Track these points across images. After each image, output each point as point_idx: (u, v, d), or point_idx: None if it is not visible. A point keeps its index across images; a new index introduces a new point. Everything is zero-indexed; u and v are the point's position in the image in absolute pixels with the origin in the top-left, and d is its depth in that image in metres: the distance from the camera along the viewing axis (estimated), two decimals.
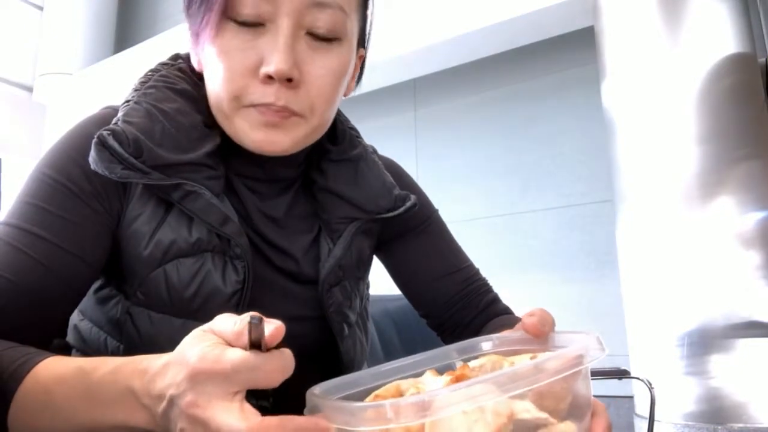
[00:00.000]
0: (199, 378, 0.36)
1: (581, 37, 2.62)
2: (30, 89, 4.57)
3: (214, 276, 0.60)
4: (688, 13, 1.89)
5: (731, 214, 1.73)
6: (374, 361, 0.71)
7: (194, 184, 0.59)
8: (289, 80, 0.57)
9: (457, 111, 3.34)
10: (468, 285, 0.80)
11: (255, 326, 0.35)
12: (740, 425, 1.61)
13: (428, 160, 3.38)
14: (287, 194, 0.69)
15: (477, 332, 0.76)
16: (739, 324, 1.67)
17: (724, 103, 1.81)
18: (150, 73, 0.67)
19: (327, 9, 0.59)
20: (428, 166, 3.36)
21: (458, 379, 0.37)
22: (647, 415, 1.33)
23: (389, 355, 1.14)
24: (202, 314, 0.59)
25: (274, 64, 0.56)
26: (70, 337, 0.68)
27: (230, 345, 0.37)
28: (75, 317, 0.68)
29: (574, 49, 2.88)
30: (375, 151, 0.80)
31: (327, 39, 0.60)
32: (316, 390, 0.40)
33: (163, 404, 0.38)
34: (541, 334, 0.44)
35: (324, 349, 0.69)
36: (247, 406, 0.36)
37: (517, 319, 0.77)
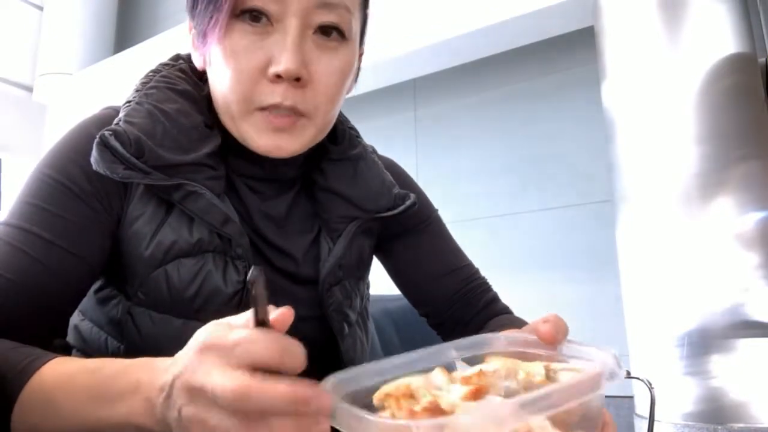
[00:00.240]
0: (203, 352, 0.37)
1: (581, 37, 2.62)
2: (30, 89, 4.57)
3: (215, 276, 0.60)
4: (688, 14, 1.89)
5: (731, 214, 1.73)
6: None
7: (195, 184, 0.59)
8: (298, 80, 0.58)
9: (457, 111, 3.34)
10: (468, 284, 0.80)
11: (256, 278, 0.35)
12: (740, 425, 1.61)
13: (428, 160, 3.38)
14: (288, 194, 0.70)
15: (477, 331, 0.76)
16: (739, 324, 1.66)
17: (724, 103, 1.81)
18: (151, 74, 0.67)
19: (334, 9, 0.59)
20: (428, 166, 3.36)
21: (477, 392, 0.37)
22: (647, 415, 1.33)
23: (389, 355, 1.13)
24: (203, 314, 0.59)
25: (283, 64, 0.56)
26: (71, 337, 0.68)
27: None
28: (75, 317, 0.68)
29: (574, 49, 2.88)
30: (375, 151, 0.80)
31: (333, 39, 0.60)
32: (328, 386, 0.40)
33: (165, 392, 0.38)
34: (555, 342, 0.44)
35: (324, 349, 0.70)
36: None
37: (517, 319, 0.77)
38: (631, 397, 1.96)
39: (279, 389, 0.34)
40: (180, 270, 0.59)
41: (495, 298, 0.81)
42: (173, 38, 3.71)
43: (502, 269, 2.93)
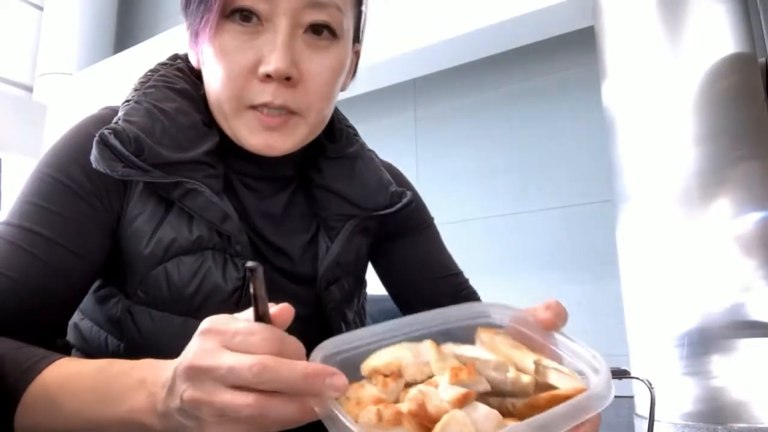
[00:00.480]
0: (204, 335, 0.37)
1: (581, 37, 2.62)
2: (30, 89, 4.57)
3: (215, 274, 0.60)
4: (688, 14, 1.89)
5: (731, 214, 1.73)
6: None
7: (194, 182, 0.59)
8: (288, 79, 0.58)
9: (457, 111, 3.34)
10: (461, 290, 0.81)
11: (255, 273, 0.36)
12: (740, 425, 1.61)
13: (428, 160, 3.38)
14: (285, 192, 0.70)
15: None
16: (739, 324, 1.66)
17: (724, 103, 1.81)
18: (149, 73, 0.68)
19: (324, 8, 0.59)
20: (428, 166, 3.36)
21: (466, 398, 0.37)
22: (647, 415, 1.33)
23: None
24: (203, 312, 0.59)
25: (272, 63, 0.57)
26: (71, 336, 0.68)
27: None
28: (75, 316, 0.68)
29: (574, 49, 2.88)
30: (375, 154, 0.80)
31: (324, 38, 0.60)
32: (318, 358, 0.41)
33: (167, 386, 0.38)
34: (554, 328, 0.45)
35: None
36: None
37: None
38: (631, 397, 1.96)
39: (297, 365, 0.35)
40: (180, 268, 0.59)
41: None
42: (173, 38, 3.70)
43: (502, 269, 2.93)
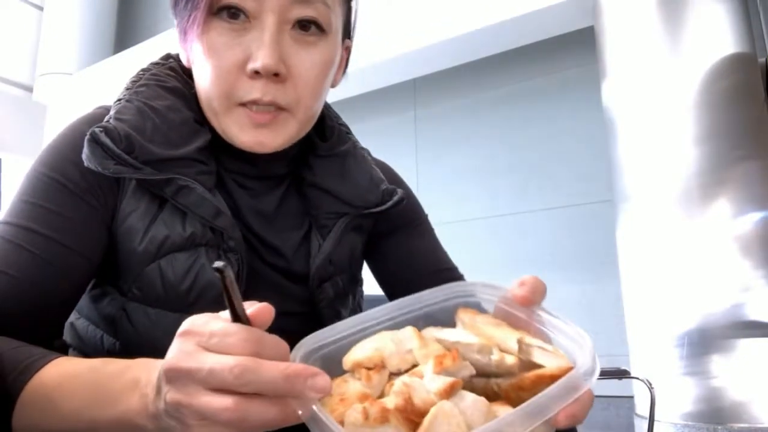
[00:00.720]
0: (182, 337, 0.37)
1: (581, 37, 2.62)
2: (30, 89, 4.57)
3: (209, 270, 0.60)
4: (688, 13, 1.89)
5: (731, 214, 1.73)
6: None
7: (186, 178, 0.59)
8: (276, 75, 0.58)
9: (457, 111, 3.34)
10: None
11: (222, 275, 0.35)
12: (740, 425, 1.61)
13: (428, 160, 3.38)
14: (277, 191, 0.70)
15: None
16: (739, 324, 1.67)
17: (724, 103, 1.81)
18: (141, 72, 0.68)
19: (311, 4, 0.59)
20: (428, 166, 3.36)
21: (452, 387, 0.37)
22: (647, 415, 1.33)
23: None
24: (197, 308, 0.59)
25: (260, 60, 0.57)
26: (67, 336, 0.68)
27: None
28: (71, 316, 0.68)
29: (574, 49, 2.88)
30: (368, 152, 0.80)
31: (312, 33, 0.60)
32: (299, 356, 0.40)
33: (156, 386, 0.38)
34: (532, 304, 0.44)
35: None
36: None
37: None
38: (631, 397, 1.96)
39: (277, 366, 0.35)
40: (174, 264, 0.59)
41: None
42: (173, 38, 3.70)
43: (502, 269, 2.93)
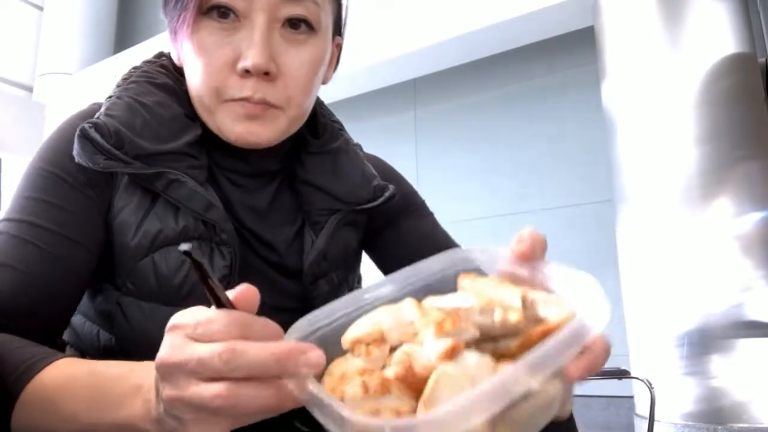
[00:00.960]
0: (169, 332, 0.36)
1: (581, 37, 2.62)
2: (30, 89, 4.57)
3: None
4: (688, 13, 1.89)
5: (731, 214, 1.73)
6: None
7: (177, 172, 0.60)
8: (266, 73, 0.58)
9: (457, 111, 3.34)
10: None
11: (191, 255, 0.33)
12: (740, 425, 1.61)
13: (428, 160, 3.38)
14: (270, 187, 0.70)
15: None
16: (739, 324, 1.66)
17: (724, 103, 1.81)
18: (133, 70, 0.69)
19: (300, 2, 0.60)
20: (428, 166, 3.36)
21: (454, 350, 0.34)
22: (647, 415, 1.33)
23: None
24: (191, 301, 0.59)
25: (250, 59, 0.57)
26: (64, 333, 0.68)
27: None
28: None
29: (574, 49, 2.88)
30: (360, 148, 0.80)
31: (302, 31, 0.61)
32: (292, 338, 0.38)
33: (156, 390, 0.38)
34: (533, 260, 0.42)
35: None
36: None
37: None
38: (631, 397, 1.96)
39: (266, 346, 0.33)
40: (167, 258, 0.59)
41: None
42: None
43: None
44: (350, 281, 0.75)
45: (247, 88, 0.58)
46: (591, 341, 0.35)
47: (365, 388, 0.33)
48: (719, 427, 1.63)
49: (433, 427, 0.29)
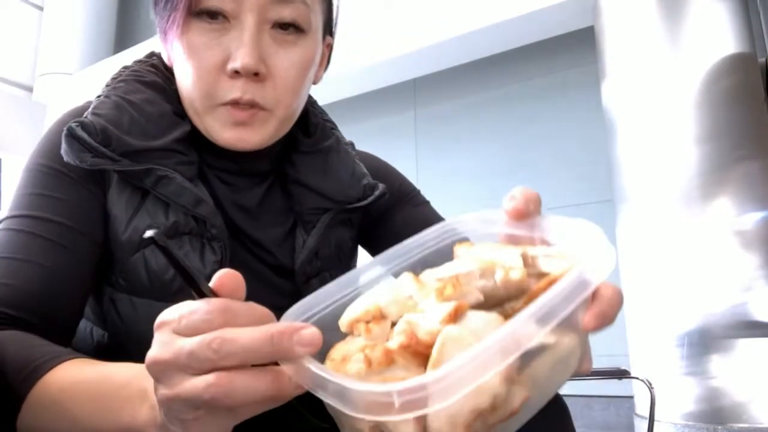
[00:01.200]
0: (157, 330, 0.36)
1: (581, 37, 2.62)
2: (30, 89, 4.57)
3: (193, 258, 0.61)
4: (688, 13, 1.89)
5: (731, 214, 1.73)
6: None
7: (165, 169, 0.60)
8: (256, 74, 0.58)
9: (457, 111, 3.34)
10: None
11: (156, 241, 0.32)
12: (740, 425, 1.61)
13: (428, 160, 3.38)
14: (261, 187, 0.70)
15: None
16: (739, 324, 1.67)
17: (724, 103, 1.81)
18: (122, 69, 0.70)
19: (290, 4, 0.60)
20: (428, 166, 3.36)
21: (457, 312, 0.32)
22: (647, 415, 1.33)
23: None
24: (182, 296, 0.59)
25: (240, 60, 0.57)
26: None
27: None
28: None
29: (574, 49, 2.88)
30: (352, 146, 0.80)
31: (291, 33, 0.61)
32: (288, 318, 0.36)
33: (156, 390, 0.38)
34: (527, 217, 0.40)
35: None
36: None
37: None
38: (631, 397, 1.96)
39: (256, 329, 0.32)
40: (157, 253, 0.59)
41: None
42: None
43: None
44: None
45: (237, 89, 0.59)
46: (599, 289, 0.33)
47: (368, 362, 0.31)
48: (719, 427, 1.63)
49: (445, 384, 0.27)
